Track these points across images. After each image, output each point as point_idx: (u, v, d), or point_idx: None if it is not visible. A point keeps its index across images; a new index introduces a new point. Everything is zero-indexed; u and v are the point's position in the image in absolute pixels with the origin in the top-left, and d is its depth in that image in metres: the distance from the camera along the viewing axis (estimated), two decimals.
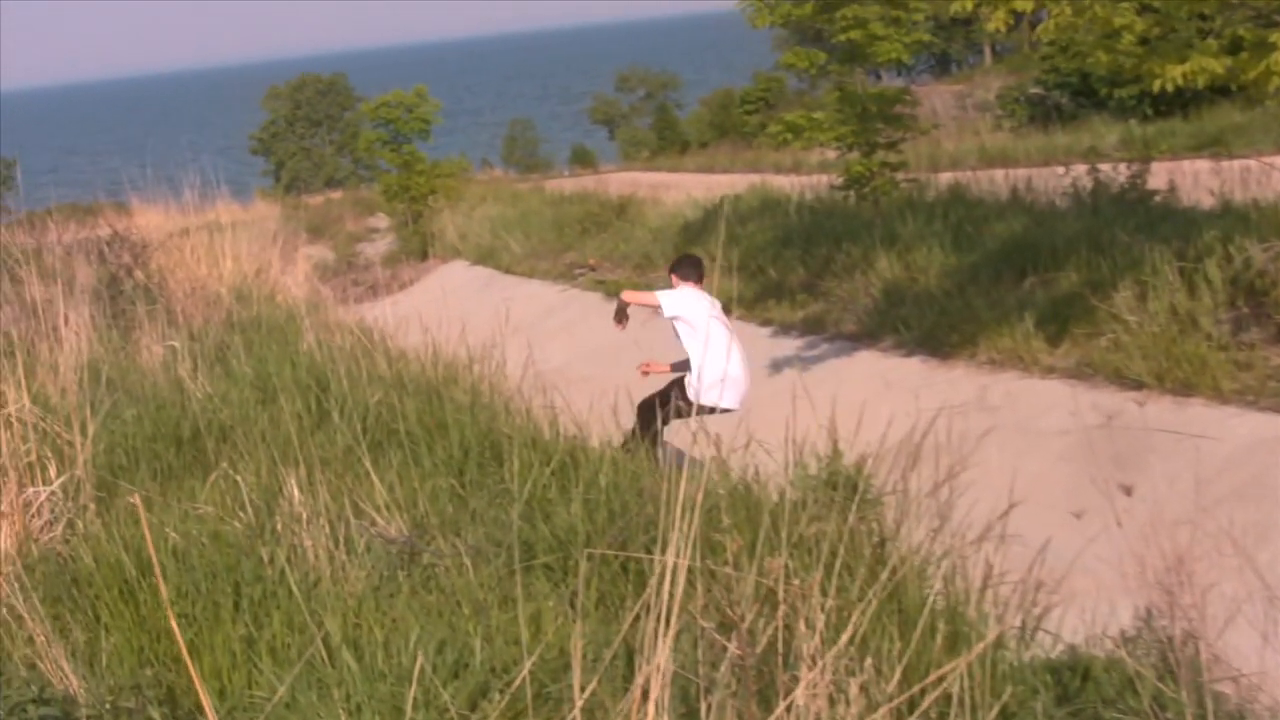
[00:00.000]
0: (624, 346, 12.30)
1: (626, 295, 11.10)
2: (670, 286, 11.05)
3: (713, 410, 10.22)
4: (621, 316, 11.05)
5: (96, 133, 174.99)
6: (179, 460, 8.61)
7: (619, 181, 36.78)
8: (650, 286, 13.01)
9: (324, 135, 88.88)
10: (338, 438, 8.46)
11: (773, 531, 5.38)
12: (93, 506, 7.36)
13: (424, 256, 32.28)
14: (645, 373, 11.33)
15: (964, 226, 16.51)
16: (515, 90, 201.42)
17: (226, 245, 16.68)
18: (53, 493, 7.25)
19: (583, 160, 67.66)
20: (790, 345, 15.50)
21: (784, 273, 17.98)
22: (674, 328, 10.79)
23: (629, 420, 10.37)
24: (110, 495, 7.62)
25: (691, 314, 10.60)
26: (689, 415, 10.15)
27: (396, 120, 35.46)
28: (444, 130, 41.10)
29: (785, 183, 25.89)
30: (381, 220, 42.52)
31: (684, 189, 29.37)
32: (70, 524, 7.18)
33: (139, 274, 15.31)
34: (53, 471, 7.39)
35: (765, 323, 16.71)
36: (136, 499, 4.23)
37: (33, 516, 7.10)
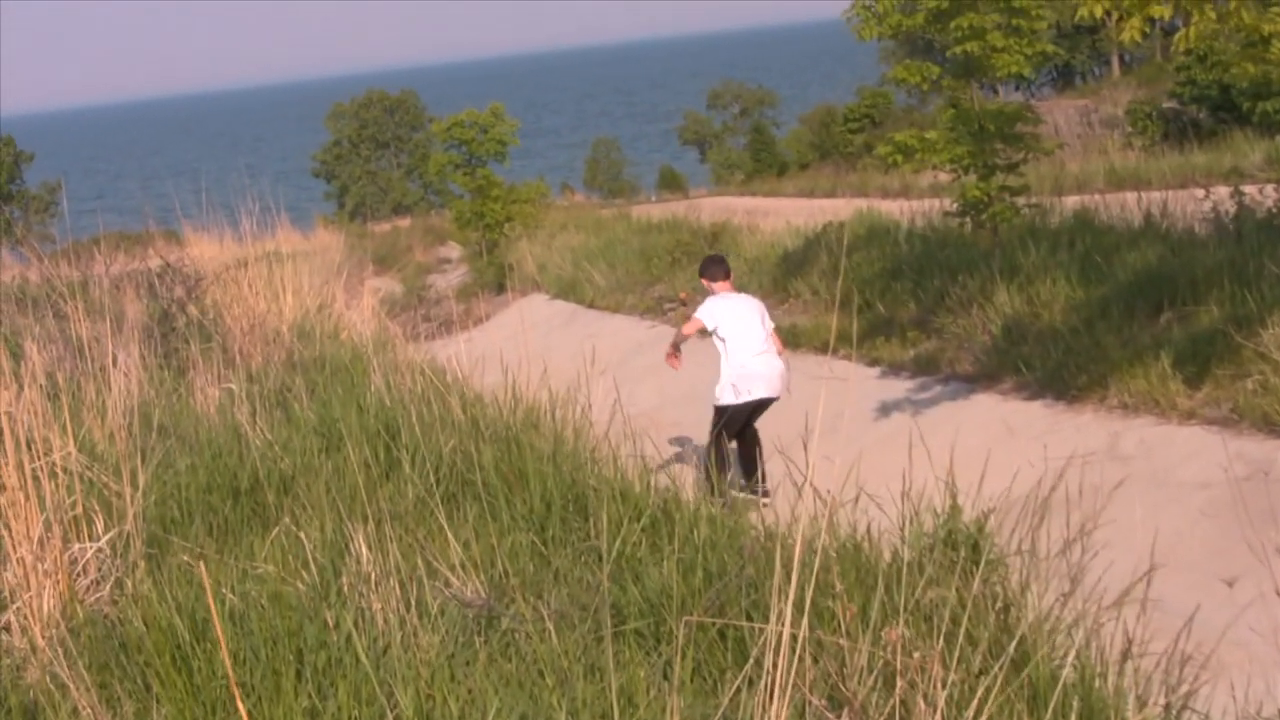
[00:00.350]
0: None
1: (685, 329, 12.72)
2: (707, 292, 12.95)
3: (752, 405, 12.23)
4: (677, 352, 12.81)
5: (145, 155, 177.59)
6: (236, 514, 8.63)
7: (711, 207, 36.83)
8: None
9: (391, 157, 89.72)
10: (408, 489, 8.45)
11: (887, 597, 5.33)
12: (143, 565, 7.37)
13: (500, 289, 32.37)
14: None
15: (1092, 256, 16.35)
16: (597, 108, 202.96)
17: (287, 278, 16.74)
18: (100, 549, 7.26)
19: (671, 184, 68.02)
20: (901, 387, 15.41)
21: (893, 307, 17.91)
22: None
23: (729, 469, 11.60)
24: (162, 552, 7.65)
25: (722, 319, 12.44)
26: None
27: (470, 141, 35.68)
28: (521, 152, 41.40)
29: (893, 208, 25.82)
30: (454, 250, 42.86)
31: (782, 215, 29.37)
32: (119, 584, 7.20)
33: (192, 309, 15.38)
34: (100, 526, 7.40)
35: (873, 362, 16.64)
36: (200, 565, 4.23)
37: (78, 575, 7.13)
